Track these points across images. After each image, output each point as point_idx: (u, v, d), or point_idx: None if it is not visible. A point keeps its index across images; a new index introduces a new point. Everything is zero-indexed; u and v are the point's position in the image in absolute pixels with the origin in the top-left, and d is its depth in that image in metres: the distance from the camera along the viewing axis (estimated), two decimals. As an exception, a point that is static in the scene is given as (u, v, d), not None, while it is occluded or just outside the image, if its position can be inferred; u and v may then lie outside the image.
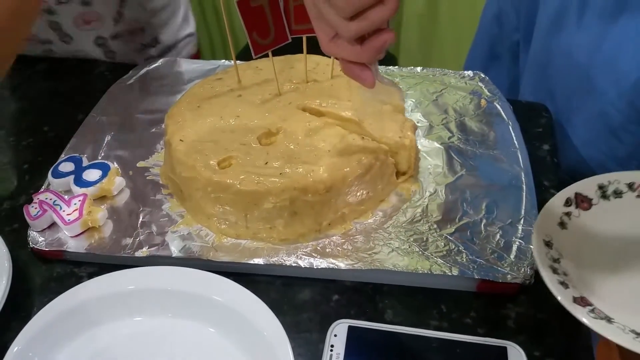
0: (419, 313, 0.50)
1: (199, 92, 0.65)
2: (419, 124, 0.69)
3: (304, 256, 0.53)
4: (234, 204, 0.54)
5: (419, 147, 0.65)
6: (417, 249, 0.53)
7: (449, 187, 0.60)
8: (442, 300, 0.51)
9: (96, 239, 0.56)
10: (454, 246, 0.53)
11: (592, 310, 0.43)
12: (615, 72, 0.68)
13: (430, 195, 0.59)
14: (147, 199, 0.60)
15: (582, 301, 0.44)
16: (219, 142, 0.57)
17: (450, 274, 0.51)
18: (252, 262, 0.53)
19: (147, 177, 0.62)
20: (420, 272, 0.51)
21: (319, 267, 0.52)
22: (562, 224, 0.51)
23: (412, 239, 0.54)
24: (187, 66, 0.79)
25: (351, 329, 0.48)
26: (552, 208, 0.52)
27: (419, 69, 0.79)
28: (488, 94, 0.73)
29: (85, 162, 0.63)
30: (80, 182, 0.60)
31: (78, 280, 0.54)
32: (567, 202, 0.52)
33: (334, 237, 0.55)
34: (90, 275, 0.54)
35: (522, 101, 0.74)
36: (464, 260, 0.52)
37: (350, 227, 0.56)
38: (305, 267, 0.52)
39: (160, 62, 0.80)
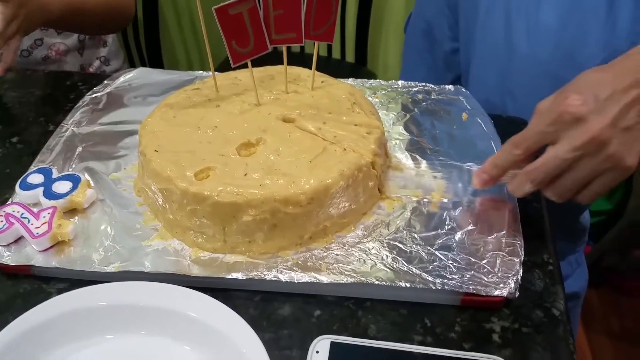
0: (403, 328, 0.49)
1: (175, 102, 0.63)
2: (400, 137, 0.68)
3: (284, 270, 0.52)
4: (211, 216, 0.52)
5: (399, 159, 0.64)
6: (401, 263, 0.52)
7: (431, 200, 0.59)
8: (426, 314, 0.50)
9: (66, 254, 0.53)
10: (437, 259, 0.52)
11: None
12: (576, 60, 0.69)
13: (413, 208, 0.58)
14: (120, 211, 0.57)
15: None
16: (196, 153, 0.56)
17: (434, 287, 0.50)
18: (230, 276, 0.51)
19: (120, 190, 0.60)
20: (404, 285, 0.50)
21: (300, 282, 0.51)
22: None
23: (395, 252, 0.53)
24: (163, 77, 0.77)
25: (333, 345, 0.46)
26: None
27: (400, 82, 0.79)
28: (469, 107, 0.73)
29: (55, 174, 0.60)
30: (49, 194, 0.58)
31: (46, 296, 0.51)
32: None
33: (316, 251, 0.54)
34: (60, 292, 0.51)
35: (502, 115, 0.74)
36: (448, 273, 0.51)
37: (332, 240, 0.55)
38: (286, 282, 0.51)
39: (134, 72, 0.78)
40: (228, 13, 0.56)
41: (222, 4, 0.56)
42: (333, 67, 1.56)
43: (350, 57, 1.59)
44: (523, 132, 0.51)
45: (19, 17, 0.77)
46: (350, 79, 0.78)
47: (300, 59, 1.62)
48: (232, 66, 0.59)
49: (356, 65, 1.57)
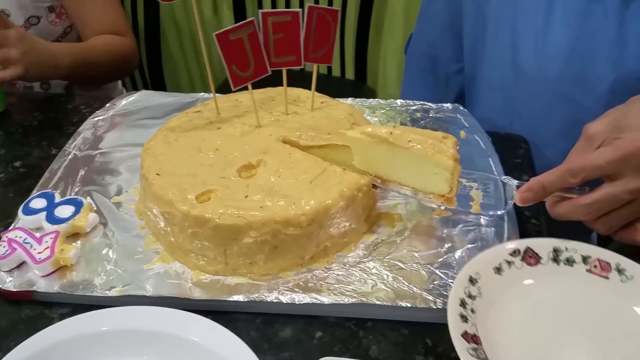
0: (405, 348, 0.49)
1: (176, 125, 0.64)
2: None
3: (285, 291, 0.52)
4: (212, 239, 0.52)
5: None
6: (401, 282, 0.52)
7: (432, 218, 0.59)
8: (428, 334, 0.50)
9: (68, 278, 0.54)
10: (438, 278, 0.52)
11: (475, 350, 0.43)
12: (587, 80, 0.69)
13: (413, 227, 0.58)
14: (122, 235, 0.58)
15: (471, 339, 0.44)
16: (197, 176, 0.56)
17: (435, 307, 0.50)
18: (231, 299, 0.51)
19: (122, 213, 0.61)
20: (405, 305, 0.50)
21: (302, 303, 0.51)
22: (499, 269, 0.51)
23: (395, 272, 0.53)
24: (165, 99, 0.78)
25: (335, 367, 0.46)
26: (496, 252, 0.52)
27: (399, 101, 0.80)
28: (467, 125, 0.74)
29: (57, 198, 0.61)
30: (52, 219, 0.58)
31: (49, 322, 0.51)
32: (515, 253, 0.52)
33: (317, 271, 0.54)
34: (62, 317, 0.51)
35: (500, 133, 0.74)
36: (448, 292, 0.51)
37: (333, 260, 0.55)
38: (287, 303, 0.51)
39: (136, 95, 0.79)
40: (228, 38, 0.57)
41: (222, 30, 0.57)
42: (333, 85, 1.58)
43: (350, 75, 1.61)
44: (582, 162, 0.50)
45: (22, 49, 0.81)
46: (349, 99, 0.79)
47: (301, 78, 1.63)
48: (233, 89, 0.60)
49: (356, 83, 1.59)
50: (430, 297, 0.50)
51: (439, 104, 0.78)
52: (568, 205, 0.51)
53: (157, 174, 0.56)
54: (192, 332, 0.46)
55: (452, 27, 0.88)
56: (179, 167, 0.57)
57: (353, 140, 0.56)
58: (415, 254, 0.55)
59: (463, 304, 0.47)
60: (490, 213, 0.57)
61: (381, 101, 0.79)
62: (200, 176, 0.56)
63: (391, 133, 0.54)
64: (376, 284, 0.52)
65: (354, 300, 0.50)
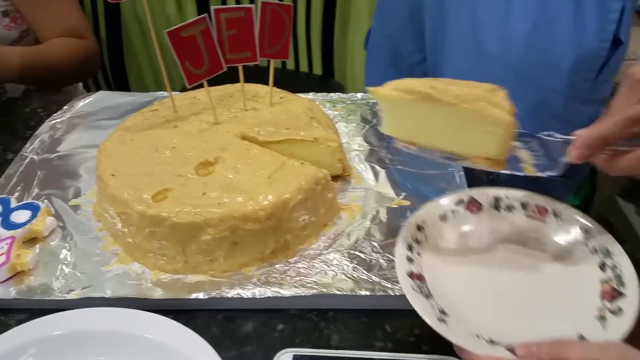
0: (365, 336, 0.50)
1: (132, 125, 0.63)
2: (360, 149, 0.69)
3: (246, 287, 0.52)
4: (170, 238, 0.52)
5: (359, 170, 0.65)
6: (361, 271, 0.53)
7: (391, 208, 0.60)
8: (387, 320, 0.51)
9: (26, 284, 0.53)
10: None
11: (419, 287, 0.45)
12: (549, 61, 0.71)
13: (372, 217, 0.59)
14: (80, 237, 0.57)
15: (417, 277, 0.46)
16: (154, 175, 0.56)
17: (393, 294, 0.50)
18: (191, 297, 0.51)
19: (80, 216, 0.60)
20: (364, 294, 0.51)
21: (263, 297, 0.51)
22: (444, 217, 0.52)
23: (355, 262, 0.54)
24: (122, 99, 0.78)
25: (296, 359, 0.46)
26: (440, 203, 0.54)
27: (359, 95, 0.81)
28: (425, 116, 0.74)
29: (13, 203, 0.60)
30: (7, 224, 0.57)
31: (5, 328, 0.50)
32: (459, 202, 0.54)
33: (278, 265, 0.54)
34: (19, 322, 0.50)
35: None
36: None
37: (294, 253, 0.55)
38: (248, 298, 0.51)
39: (94, 96, 0.78)
40: (181, 35, 0.57)
41: (174, 27, 0.57)
42: (301, 81, 1.58)
43: (317, 70, 1.61)
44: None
45: None
46: (311, 94, 0.80)
47: (266, 74, 1.62)
48: (187, 87, 0.60)
49: (324, 78, 1.59)
50: (389, 285, 0.51)
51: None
52: (633, 157, 0.45)
53: (113, 174, 0.56)
54: (148, 331, 0.46)
55: (412, 18, 0.89)
56: (134, 167, 0.57)
57: (385, 99, 0.48)
58: (375, 244, 0.56)
59: (410, 248, 0.49)
60: (547, 174, 0.49)
61: (342, 95, 0.80)
62: (157, 175, 0.56)
63: (434, 87, 0.46)
64: (336, 275, 0.53)
65: (314, 291, 0.51)
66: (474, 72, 0.78)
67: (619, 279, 0.46)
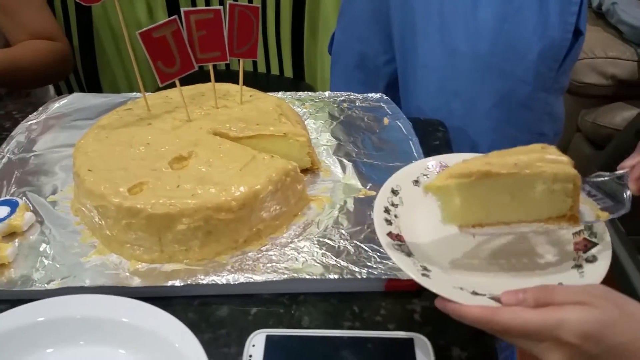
0: (334, 316, 0.53)
1: (107, 123, 0.65)
2: (328, 143, 0.73)
3: (221, 274, 0.54)
4: (146, 228, 0.55)
5: (328, 164, 0.69)
6: (330, 257, 0.56)
7: (358, 199, 0.63)
8: (355, 302, 0.54)
9: (6, 276, 0.54)
10: (363, 251, 0.56)
11: (399, 246, 0.48)
12: (516, 52, 0.76)
13: (340, 207, 0.62)
14: (58, 231, 0.59)
15: (396, 237, 0.49)
16: (129, 170, 0.58)
17: (360, 277, 0.54)
18: (168, 284, 0.53)
19: (58, 211, 0.62)
20: (333, 277, 0.54)
21: (236, 283, 0.54)
22: (416, 181, 0.55)
23: (325, 248, 0.57)
24: (97, 100, 0.79)
25: (269, 338, 0.49)
26: (414, 167, 0.57)
27: (327, 93, 0.84)
28: (390, 113, 0.79)
29: (-9, 200, 0.61)
30: (-15, 220, 0.59)
31: (-14, 320, 0.52)
32: (430, 167, 0.57)
33: (251, 253, 0.57)
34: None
35: (421, 118, 0.80)
36: (373, 263, 0.55)
37: (266, 242, 0.58)
38: (223, 284, 0.54)
39: (68, 98, 0.80)
40: (152, 36, 0.60)
41: (146, 28, 0.59)
42: (273, 83, 1.61)
43: (288, 73, 1.64)
44: None
45: None
46: (280, 93, 0.83)
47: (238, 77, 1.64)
48: (160, 85, 0.62)
49: (295, 80, 1.62)
50: (356, 269, 0.54)
51: (365, 94, 0.83)
52: None
53: (89, 170, 0.58)
54: (126, 315, 0.48)
55: (377, 19, 0.92)
56: (110, 162, 0.59)
57: (443, 191, 0.46)
58: (343, 231, 0.59)
59: (387, 210, 0.51)
60: (621, 213, 0.48)
61: (310, 93, 0.83)
62: (132, 170, 0.58)
63: (489, 163, 0.45)
64: (307, 261, 0.56)
65: (285, 276, 0.54)
66: (444, 68, 0.82)
67: (590, 229, 0.48)
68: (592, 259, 0.47)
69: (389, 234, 0.49)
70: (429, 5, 0.81)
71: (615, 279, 1.30)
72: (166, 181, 0.57)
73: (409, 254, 0.47)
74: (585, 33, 0.79)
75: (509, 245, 0.51)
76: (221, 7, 0.62)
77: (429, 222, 0.51)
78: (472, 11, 0.77)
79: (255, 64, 1.65)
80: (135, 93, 0.81)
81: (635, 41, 1.54)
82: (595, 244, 0.48)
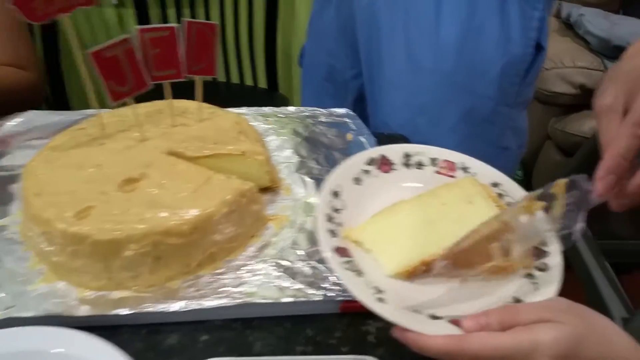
0: (287, 341, 0.51)
1: (59, 144, 0.63)
2: (290, 161, 0.72)
3: (171, 300, 0.53)
4: (92, 255, 0.53)
5: (289, 182, 0.68)
6: (285, 279, 0.55)
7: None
8: (309, 325, 0.53)
9: (-54, 307, 0.52)
10: (320, 272, 0.55)
11: (348, 263, 0.45)
12: (479, 68, 0.76)
13: (299, 227, 0.61)
14: (5, 258, 0.57)
15: (343, 252, 0.46)
16: (77, 194, 0.56)
17: (314, 299, 0.52)
18: (113, 313, 0.52)
19: (6, 235, 0.60)
20: (287, 301, 0.52)
21: (186, 310, 0.52)
22: (358, 180, 0.53)
23: (280, 270, 0.56)
24: (52, 118, 0.77)
25: (217, 367, 0.48)
26: (353, 163, 0.54)
27: (292, 108, 0.83)
28: (354, 128, 0.78)
29: (-64, 226, 0.59)
30: None
31: None
32: (370, 162, 0.54)
33: (204, 278, 0.55)
34: (-61, 347, 0.50)
35: (385, 134, 0.79)
36: (328, 284, 0.54)
37: (220, 265, 0.57)
38: (172, 312, 0.52)
39: (23, 116, 0.78)
40: (104, 56, 0.58)
41: (97, 48, 0.58)
42: (247, 94, 1.60)
43: (262, 83, 1.63)
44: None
45: None
46: (244, 108, 0.81)
47: (212, 90, 1.64)
48: (111, 104, 0.61)
49: (269, 91, 1.61)
50: (311, 291, 0.53)
51: (330, 109, 0.82)
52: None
53: (37, 193, 0.56)
54: (69, 348, 0.46)
55: (344, 33, 0.92)
56: (58, 185, 0.57)
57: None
58: (299, 252, 0.58)
59: (330, 219, 0.48)
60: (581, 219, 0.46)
61: (275, 109, 0.82)
62: (80, 193, 0.56)
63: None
64: (261, 284, 0.54)
65: (237, 301, 0.52)
66: (409, 84, 0.82)
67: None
68: (544, 267, 0.45)
69: (336, 250, 0.45)
70: (394, 22, 0.81)
71: (583, 284, 1.31)
72: (114, 205, 0.55)
73: (360, 272, 0.45)
74: (546, 48, 0.79)
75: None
76: (176, 25, 0.61)
77: (370, 225, 0.50)
78: (435, 28, 0.77)
79: (229, 74, 1.63)
80: (92, 110, 0.79)
81: (601, 52, 1.57)
82: (545, 253, 0.46)
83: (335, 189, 0.51)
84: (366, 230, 0.49)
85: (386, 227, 0.49)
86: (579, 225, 0.45)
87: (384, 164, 0.54)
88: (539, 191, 0.46)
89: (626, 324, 1.15)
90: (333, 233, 0.47)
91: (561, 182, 0.46)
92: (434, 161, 0.56)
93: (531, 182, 1.67)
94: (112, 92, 0.60)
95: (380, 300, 0.42)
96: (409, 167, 0.55)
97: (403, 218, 0.50)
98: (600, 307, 1.23)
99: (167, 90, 0.65)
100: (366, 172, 0.54)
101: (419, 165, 0.55)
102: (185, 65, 0.63)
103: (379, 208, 0.51)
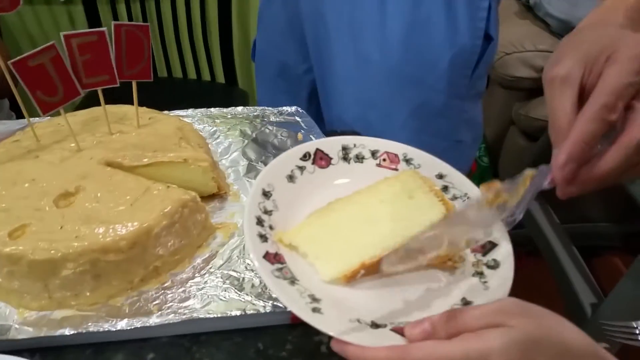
0: (237, 356, 0.50)
1: (-10, 159, 0.60)
2: (239, 165, 0.70)
3: (115, 318, 0.51)
4: (30, 275, 0.50)
5: (237, 187, 0.66)
6: (233, 292, 0.53)
7: (266, 222, 0.61)
8: (260, 337, 0.52)
9: None
10: (268, 282, 0.54)
11: (280, 270, 0.42)
12: (427, 61, 0.75)
13: (248, 234, 0.59)
14: None
15: (275, 258, 0.42)
16: (11, 211, 0.53)
17: (264, 311, 0.51)
18: (56, 334, 0.49)
19: (-63, 260, 0.56)
20: (234, 314, 0.51)
21: (130, 328, 0.50)
22: (291, 177, 0.49)
23: (228, 282, 0.54)
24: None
25: (162, 388, 0.46)
26: (286, 158, 0.50)
27: (239, 108, 0.81)
28: (305, 127, 0.76)
29: None
30: None
31: None
32: (305, 157, 0.50)
33: (149, 293, 0.53)
34: None
35: (337, 130, 0.78)
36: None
37: (165, 279, 0.55)
38: (116, 330, 0.50)
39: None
40: (28, 65, 0.55)
41: (19, 57, 0.54)
42: (205, 90, 1.56)
43: (220, 78, 1.60)
44: (606, 90, 0.40)
45: None
46: (190, 110, 0.79)
47: (156, 91, 1.59)
48: (42, 115, 0.58)
49: (228, 87, 1.58)
50: (260, 303, 0.52)
51: (279, 108, 0.80)
52: (615, 152, 0.40)
53: (-34, 214, 0.53)
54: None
55: (291, 28, 0.90)
56: (-10, 204, 0.54)
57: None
58: (248, 261, 0.56)
59: (260, 221, 0.44)
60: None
61: (223, 110, 0.80)
62: (14, 211, 0.53)
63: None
64: (208, 297, 0.53)
65: (184, 317, 0.51)
66: (359, 78, 0.81)
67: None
68: (494, 264, 0.44)
69: (266, 256, 0.42)
70: (340, 15, 0.79)
71: (551, 271, 1.33)
72: (49, 222, 0.52)
73: (293, 280, 0.42)
74: (496, 38, 0.79)
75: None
76: (105, 29, 0.58)
77: (315, 229, 0.47)
78: (380, 21, 0.75)
79: (185, 70, 1.59)
80: (34, 119, 0.75)
81: (562, 33, 1.57)
82: (494, 245, 0.44)
83: (266, 189, 0.48)
84: (300, 232, 0.46)
85: (322, 228, 0.46)
86: (522, 208, 0.42)
87: (321, 159, 0.51)
88: (507, 184, 0.43)
89: (595, 310, 1.16)
90: (264, 237, 0.44)
91: (529, 174, 0.43)
92: (374, 154, 0.52)
93: (497, 168, 1.68)
94: (41, 104, 0.57)
95: (316, 310, 0.39)
96: (347, 161, 0.52)
97: (340, 218, 0.47)
98: (569, 293, 1.24)
99: (101, 97, 0.62)
100: (301, 168, 0.50)
101: (359, 158, 0.52)
102: (117, 70, 0.60)
103: (314, 208, 0.48)
